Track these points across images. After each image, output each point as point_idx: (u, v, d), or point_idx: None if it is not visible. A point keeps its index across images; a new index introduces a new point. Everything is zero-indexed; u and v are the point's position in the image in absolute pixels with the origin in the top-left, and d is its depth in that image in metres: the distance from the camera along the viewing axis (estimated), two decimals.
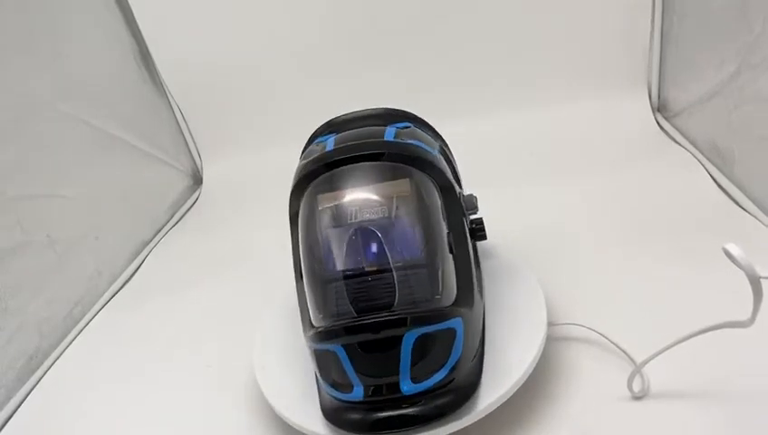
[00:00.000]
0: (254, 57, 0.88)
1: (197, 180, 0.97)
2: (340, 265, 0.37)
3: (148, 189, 0.86)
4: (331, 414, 0.37)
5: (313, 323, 0.38)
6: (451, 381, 0.36)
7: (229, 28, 0.86)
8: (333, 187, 0.39)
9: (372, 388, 0.35)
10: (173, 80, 0.90)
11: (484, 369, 0.38)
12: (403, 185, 0.38)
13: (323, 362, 0.37)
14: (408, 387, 0.35)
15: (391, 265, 0.36)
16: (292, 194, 0.40)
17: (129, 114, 0.84)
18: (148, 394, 0.52)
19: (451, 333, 0.36)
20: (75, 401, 0.55)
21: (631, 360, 0.42)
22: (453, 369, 0.36)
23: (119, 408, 0.52)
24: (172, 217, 0.88)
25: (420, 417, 0.34)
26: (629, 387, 0.40)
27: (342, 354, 0.35)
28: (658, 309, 0.47)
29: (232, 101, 0.92)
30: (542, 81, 0.85)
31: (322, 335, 0.36)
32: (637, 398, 0.40)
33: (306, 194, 0.40)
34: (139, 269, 0.76)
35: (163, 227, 0.85)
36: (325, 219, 0.38)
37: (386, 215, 0.37)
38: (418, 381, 0.35)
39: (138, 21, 0.86)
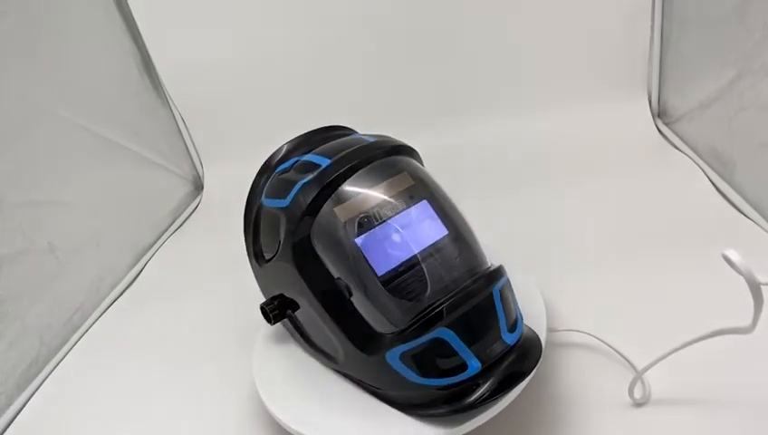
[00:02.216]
0: (255, 64, 0.88)
1: (198, 186, 0.97)
2: (394, 262, 0.37)
3: (149, 196, 0.86)
4: (445, 404, 0.36)
5: (381, 330, 0.37)
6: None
7: (230, 36, 0.87)
8: (346, 197, 0.39)
9: (485, 353, 0.36)
10: (174, 87, 0.91)
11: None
12: (404, 178, 0.40)
13: (424, 357, 0.36)
14: (509, 338, 0.37)
15: (443, 242, 0.39)
16: (301, 220, 0.38)
17: (131, 121, 0.84)
18: (149, 400, 0.52)
19: (509, 283, 0.40)
20: (75, 408, 0.54)
21: (632, 366, 0.42)
22: (521, 316, 0.40)
23: (119, 414, 0.52)
24: (173, 223, 0.88)
25: (529, 363, 0.37)
26: (631, 394, 0.40)
27: (450, 335, 0.35)
28: (659, 315, 0.47)
29: (233, 108, 0.92)
30: (543, 87, 0.85)
31: (418, 330, 0.36)
32: (638, 405, 0.40)
33: (321, 214, 0.38)
34: (140, 275, 0.76)
35: (164, 232, 0.85)
36: (354, 229, 0.38)
37: (408, 204, 0.39)
38: (512, 331, 0.38)
39: (140, 28, 0.86)
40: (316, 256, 0.39)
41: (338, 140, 0.43)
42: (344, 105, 0.88)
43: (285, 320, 0.44)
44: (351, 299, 0.38)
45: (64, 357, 0.62)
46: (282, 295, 0.42)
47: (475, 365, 0.36)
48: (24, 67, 0.66)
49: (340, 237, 0.38)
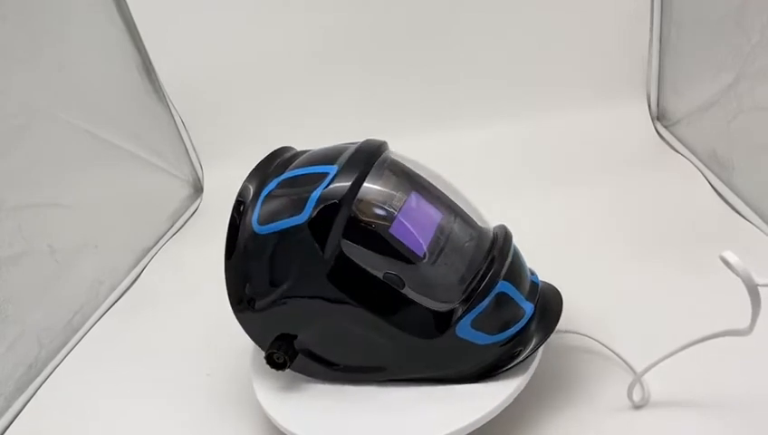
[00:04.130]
0: (255, 67, 0.88)
1: (198, 189, 0.97)
2: (425, 242, 0.39)
3: (148, 198, 0.86)
4: (511, 355, 0.39)
5: (440, 309, 0.38)
6: None
7: (231, 39, 0.87)
8: (365, 196, 0.38)
9: (529, 295, 0.41)
10: (175, 89, 0.91)
11: (482, 379, 0.40)
12: (390, 175, 0.41)
13: (493, 314, 0.38)
14: (535, 279, 0.43)
15: (447, 219, 0.41)
16: (332, 227, 0.37)
17: (131, 124, 0.84)
18: (148, 404, 0.52)
19: None
20: (74, 411, 0.54)
21: (631, 369, 0.42)
22: None
23: (118, 417, 0.52)
24: (173, 225, 0.88)
25: (558, 301, 0.42)
26: (629, 396, 0.40)
27: (508, 286, 0.39)
28: (658, 318, 0.47)
29: (233, 110, 0.92)
30: (543, 90, 0.85)
31: (484, 291, 0.38)
32: (637, 407, 0.40)
33: (352, 215, 0.38)
34: (140, 278, 0.76)
35: (163, 235, 0.85)
36: (383, 221, 0.38)
37: (409, 193, 0.40)
38: (532, 274, 0.43)
39: (140, 32, 0.87)
40: (352, 262, 0.37)
41: (315, 152, 0.43)
42: (343, 107, 0.88)
43: (299, 359, 0.41)
44: (404, 291, 0.38)
45: (63, 360, 0.62)
46: (284, 335, 0.40)
47: (529, 308, 0.40)
48: (23, 70, 0.66)
49: (377, 232, 0.38)
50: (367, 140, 0.42)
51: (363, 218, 0.38)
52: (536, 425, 0.41)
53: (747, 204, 0.59)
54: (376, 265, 0.38)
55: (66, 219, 0.68)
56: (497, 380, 0.39)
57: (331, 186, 0.38)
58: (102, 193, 0.75)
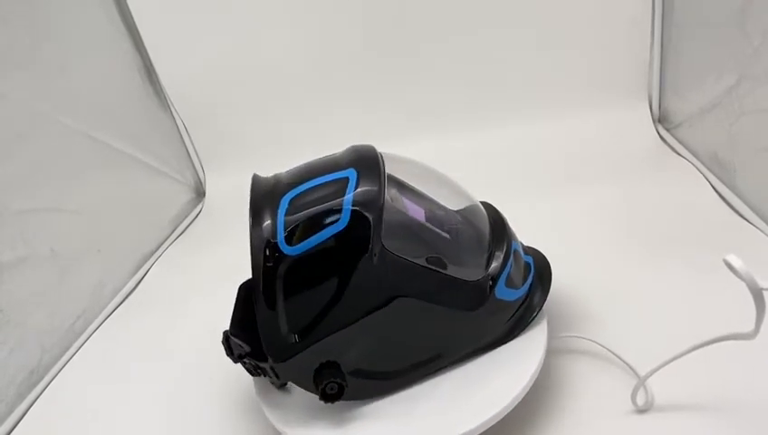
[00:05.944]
0: (256, 71, 0.88)
1: (200, 193, 0.97)
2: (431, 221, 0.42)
3: (151, 202, 0.86)
4: (532, 304, 0.43)
5: (476, 277, 0.40)
6: None
7: (233, 43, 0.87)
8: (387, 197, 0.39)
9: (524, 250, 0.46)
10: (177, 94, 0.91)
11: (481, 383, 0.40)
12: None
13: (515, 272, 0.42)
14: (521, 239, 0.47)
15: (433, 206, 0.44)
16: (376, 227, 0.36)
17: (133, 128, 0.84)
18: (151, 407, 0.52)
19: None
20: (76, 416, 0.54)
21: (635, 373, 0.42)
22: None
23: (120, 421, 0.52)
24: (175, 229, 0.88)
25: (547, 263, 0.47)
26: (633, 400, 0.40)
27: (516, 245, 0.44)
28: (662, 321, 0.47)
29: (235, 115, 0.92)
30: (544, 93, 0.85)
31: (507, 253, 0.42)
32: (641, 411, 0.40)
33: (388, 217, 0.37)
34: (142, 282, 0.76)
35: (166, 239, 0.85)
36: (406, 211, 0.40)
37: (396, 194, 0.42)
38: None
39: (142, 36, 0.87)
40: (396, 256, 0.37)
41: (310, 164, 0.41)
42: (345, 111, 0.89)
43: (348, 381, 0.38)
44: (447, 271, 0.39)
45: (66, 364, 0.62)
46: (325, 364, 0.37)
47: (530, 260, 0.45)
48: (26, 74, 0.66)
49: (408, 221, 0.40)
50: (356, 145, 0.42)
51: (396, 211, 0.39)
52: (539, 428, 0.40)
53: (749, 206, 0.59)
54: (417, 253, 0.39)
55: (68, 224, 0.68)
56: (500, 383, 0.39)
57: (360, 188, 0.37)
58: (104, 197, 0.75)
